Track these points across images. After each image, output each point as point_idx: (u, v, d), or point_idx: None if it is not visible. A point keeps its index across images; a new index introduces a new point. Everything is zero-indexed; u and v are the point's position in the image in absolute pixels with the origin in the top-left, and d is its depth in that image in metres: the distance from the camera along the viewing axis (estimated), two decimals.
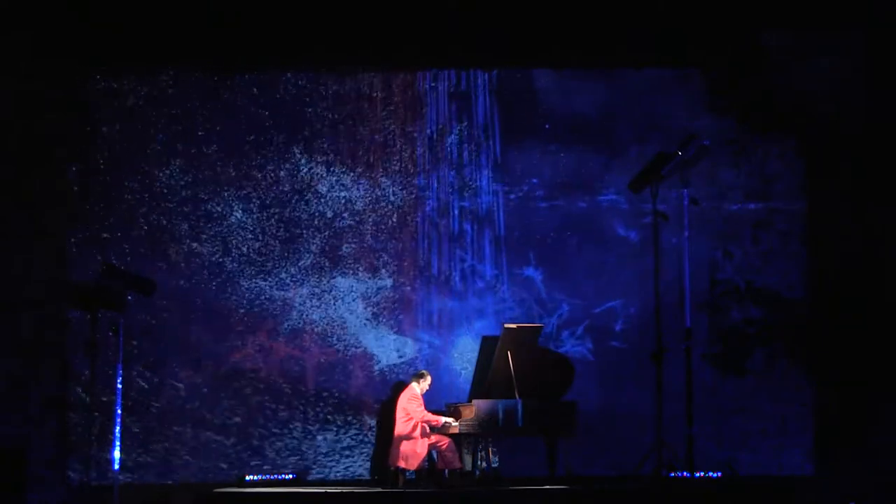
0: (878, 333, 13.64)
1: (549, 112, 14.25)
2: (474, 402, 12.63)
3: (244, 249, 14.04)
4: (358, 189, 14.16)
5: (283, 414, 13.90)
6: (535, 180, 14.21)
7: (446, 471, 12.95)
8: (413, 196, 14.19)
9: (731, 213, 14.17)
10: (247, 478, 13.38)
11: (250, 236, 14.06)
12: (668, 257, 12.94)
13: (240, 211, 14.06)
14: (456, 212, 14.22)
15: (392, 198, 14.17)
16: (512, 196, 14.21)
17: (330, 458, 13.91)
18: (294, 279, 14.05)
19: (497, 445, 12.91)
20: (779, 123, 14.11)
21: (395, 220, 14.16)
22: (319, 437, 13.92)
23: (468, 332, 14.05)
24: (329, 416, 13.93)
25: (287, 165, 14.12)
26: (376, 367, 14.03)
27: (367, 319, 14.07)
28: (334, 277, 14.08)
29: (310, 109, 14.17)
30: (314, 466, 13.88)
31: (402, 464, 12.85)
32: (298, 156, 14.15)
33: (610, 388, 13.99)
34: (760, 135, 14.16)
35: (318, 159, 14.17)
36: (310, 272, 14.06)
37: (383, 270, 14.11)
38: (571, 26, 13.79)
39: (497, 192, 14.23)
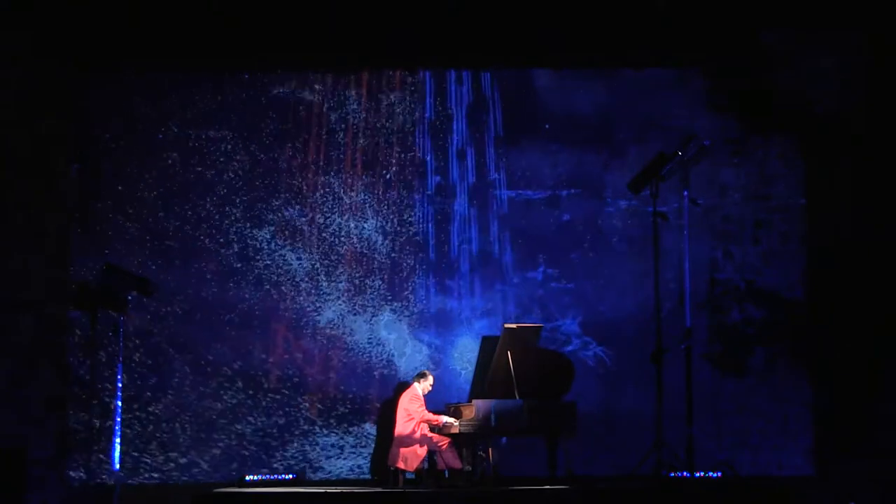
0: (877, 333, 13.64)
1: (549, 112, 14.25)
2: (474, 402, 12.63)
3: (244, 249, 14.04)
4: (358, 187, 14.16)
5: (283, 414, 13.90)
6: (534, 180, 14.20)
7: (446, 471, 12.96)
8: (413, 195, 14.19)
9: (731, 213, 14.17)
10: (247, 478, 13.38)
11: (251, 236, 14.05)
12: (668, 257, 12.95)
13: (240, 210, 14.06)
14: (456, 211, 14.22)
15: (392, 197, 14.17)
16: (512, 196, 14.21)
17: (330, 458, 13.91)
18: (294, 279, 14.05)
19: (497, 445, 12.90)
20: (779, 123, 14.11)
21: (395, 219, 14.16)
22: (319, 437, 13.92)
23: (468, 332, 14.06)
24: (329, 416, 13.93)
25: (287, 165, 14.12)
26: (377, 367, 14.02)
27: (368, 320, 14.07)
28: (335, 277, 14.08)
29: (310, 109, 14.17)
30: (314, 466, 13.88)
31: (401, 464, 12.85)
32: (299, 155, 14.15)
33: (610, 388, 13.99)
34: (760, 135, 14.16)
35: (319, 159, 14.17)
36: (311, 272, 14.06)
37: (384, 271, 14.11)
38: (571, 26, 13.79)
39: (497, 191, 14.22)
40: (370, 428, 13.92)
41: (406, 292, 14.11)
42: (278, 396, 13.92)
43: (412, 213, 14.20)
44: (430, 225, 14.19)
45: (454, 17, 13.70)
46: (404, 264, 14.14)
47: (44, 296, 13.60)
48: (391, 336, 14.06)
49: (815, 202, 14.06)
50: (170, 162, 14.03)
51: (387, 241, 14.15)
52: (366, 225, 14.16)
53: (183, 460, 13.75)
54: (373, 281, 14.09)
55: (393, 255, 14.13)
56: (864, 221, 13.79)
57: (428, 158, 14.23)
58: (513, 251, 14.20)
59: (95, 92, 14.01)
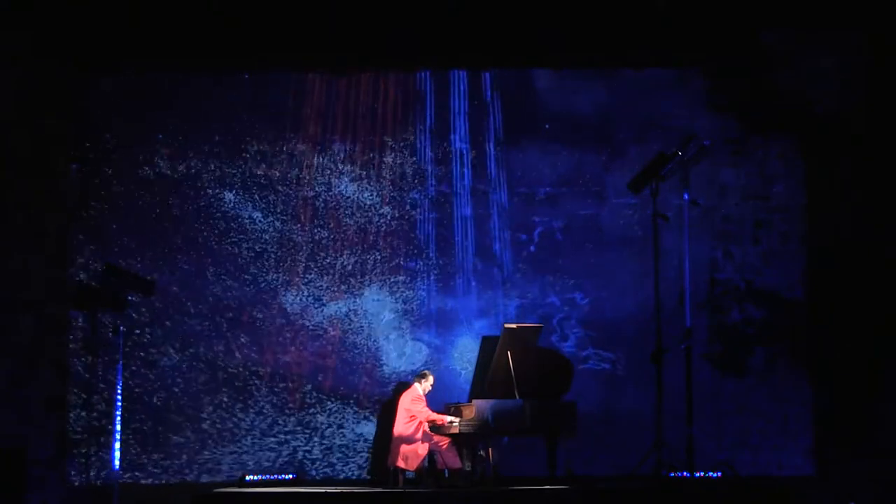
0: (877, 333, 13.64)
1: (549, 112, 14.25)
2: (474, 402, 12.63)
3: (245, 249, 14.04)
4: (358, 187, 14.16)
5: (284, 413, 13.90)
6: (534, 180, 14.20)
7: (446, 471, 12.96)
8: (413, 195, 14.19)
9: (731, 213, 14.17)
10: (247, 478, 13.38)
11: (251, 235, 14.06)
12: (668, 257, 12.95)
13: (240, 210, 14.06)
14: (456, 211, 14.22)
15: (392, 197, 14.17)
16: (511, 196, 14.20)
17: (330, 458, 13.91)
18: (295, 279, 14.05)
19: (497, 445, 12.90)
20: (779, 123, 14.11)
21: (395, 219, 14.16)
22: (320, 437, 13.92)
23: (468, 332, 14.06)
24: (329, 416, 13.93)
25: (287, 165, 14.12)
26: (377, 368, 14.02)
27: (368, 319, 14.07)
28: (335, 277, 14.08)
29: (310, 109, 14.17)
30: (314, 466, 13.88)
31: (402, 463, 12.86)
32: (299, 155, 14.15)
33: (610, 388, 13.98)
34: (760, 135, 14.16)
35: (319, 159, 14.17)
36: (311, 271, 14.06)
37: (383, 270, 14.11)
38: (571, 26, 13.79)
39: (496, 192, 14.22)
40: (370, 427, 13.92)
41: (406, 292, 14.10)
42: (278, 395, 13.92)
43: (413, 214, 14.19)
44: (430, 225, 14.18)
45: (454, 17, 13.70)
46: (405, 265, 14.13)
47: (44, 296, 13.59)
48: (391, 335, 14.06)
49: (815, 202, 14.06)
50: (170, 161, 14.02)
51: (387, 242, 14.14)
52: (367, 226, 14.16)
53: (183, 460, 13.74)
54: (373, 281, 14.09)
55: (393, 255, 14.13)
56: (864, 221, 13.79)
57: (428, 158, 14.23)
58: (512, 251, 14.19)
59: (95, 92, 14.02)
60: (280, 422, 13.89)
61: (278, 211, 14.10)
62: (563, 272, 14.14)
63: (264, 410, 13.89)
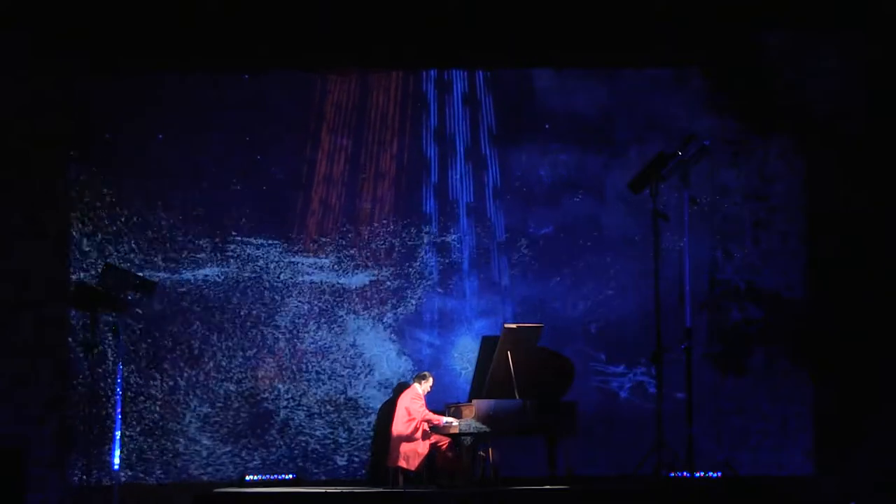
0: (877, 333, 13.64)
1: (549, 112, 14.25)
2: (474, 401, 12.63)
3: (245, 248, 14.04)
4: (358, 186, 14.17)
5: (283, 413, 13.90)
6: (534, 180, 14.20)
7: (446, 471, 12.95)
8: (414, 196, 14.20)
9: (731, 213, 14.17)
10: (247, 478, 13.39)
11: (252, 235, 14.05)
12: (668, 257, 12.94)
13: (241, 210, 14.05)
14: (455, 212, 14.22)
15: (392, 196, 14.18)
16: (511, 196, 14.21)
17: (330, 458, 13.91)
18: (294, 277, 14.04)
19: (497, 445, 12.91)
20: (779, 123, 14.11)
21: (395, 220, 14.16)
22: (320, 437, 13.92)
23: (468, 332, 14.06)
24: (329, 416, 13.94)
25: (288, 165, 14.12)
26: (377, 368, 14.03)
27: (368, 320, 14.07)
28: (335, 277, 14.08)
29: (310, 109, 14.17)
30: (314, 466, 13.88)
31: (402, 464, 12.86)
32: (300, 155, 14.15)
33: (610, 388, 13.98)
34: (760, 135, 14.16)
35: (320, 159, 14.17)
36: (310, 271, 14.06)
37: (383, 270, 14.11)
38: (571, 26, 13.79)
39: (496, 191, 14.23)
40: (370, 428, 13.92)
41: (407, 292, 14.10)
42: (278, 395, 13.92)
43: (413, 213, 14.19)
44: (430, 224, 14.18)
45: (454, 17, 13.70)
46: (405, 264, 14.13)
47: (44, 296, 13.59)
48: (391, 336, 14.06)
49: (815, 202, 14.06)
50: (170, 162, 14.02)
51: (388, 241, 14.14)
52: (367, 227, 14.15)
53: (183, 460, 13.74)
54: (374, 281, 14.09)
55: (393, 254, 14.13)
56: (864, 221, 13.79)
57: (429, 158, 14.24)
58: (513, 251, 14.18)
59: (95, 92, 14.01)
60: (280, 421, 13.89)
61: (278, 210, 14.09)
62: (563, 272, 14.13)
63: (265, 410, 13.89)
